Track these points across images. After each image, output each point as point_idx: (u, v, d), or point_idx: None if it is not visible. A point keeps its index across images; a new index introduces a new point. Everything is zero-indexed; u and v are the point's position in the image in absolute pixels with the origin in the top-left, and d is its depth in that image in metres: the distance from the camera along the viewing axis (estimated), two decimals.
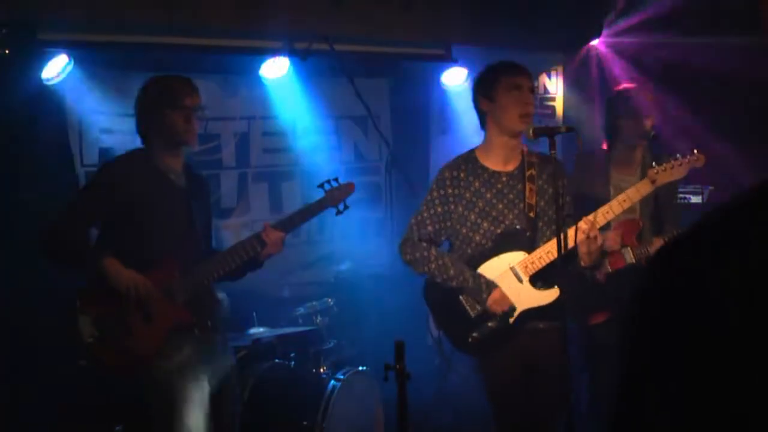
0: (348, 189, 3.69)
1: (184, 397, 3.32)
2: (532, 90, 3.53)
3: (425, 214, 3.58)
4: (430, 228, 3.56)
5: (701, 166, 3.47)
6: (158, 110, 3.37)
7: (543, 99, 6.61)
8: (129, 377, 3.43)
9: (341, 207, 3.69)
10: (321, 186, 3.66)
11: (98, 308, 3.32)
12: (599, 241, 3.37)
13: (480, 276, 3.46)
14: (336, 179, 3.68)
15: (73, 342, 3.34)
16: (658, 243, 4.11)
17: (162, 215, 3.40)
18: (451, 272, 3.47)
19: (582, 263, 3.46)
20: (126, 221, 3.36)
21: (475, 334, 3.48)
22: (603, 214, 3.42)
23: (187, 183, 3.52)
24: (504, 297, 3.43)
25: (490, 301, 3.43)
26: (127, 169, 3.42)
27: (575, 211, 3.61)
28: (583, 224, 3.37)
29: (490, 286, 3.44)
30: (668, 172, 3.43)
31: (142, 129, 3.46)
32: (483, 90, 3.55)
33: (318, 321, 5.08)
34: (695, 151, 3.42)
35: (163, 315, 3.34)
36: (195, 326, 3.40)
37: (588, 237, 3.34)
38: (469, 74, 6.02)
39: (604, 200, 3.98)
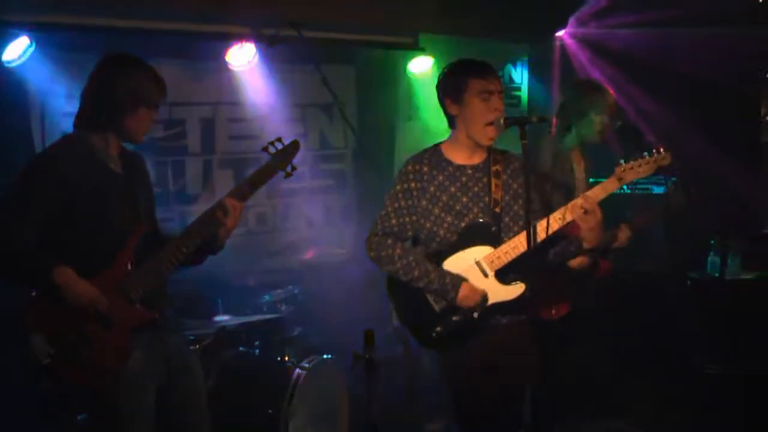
0: (293, 148, 3.41)
1: (130, 411, 3.13)
2: (501, 93, 3.46)
3: (389, 209, 3.55)
4: (394, 221, 3.54)
5: (668, 164, 3.50)
6: (133, 107, 3.17)
7: (509, 89, 6.65)
8: (98, 391, 3.14)
9: (289, 169, 3.42)
10: (265, 149, 3.40)
11: (51, 323, 3.03)
12: (599, 215, 3.38)
13: (445, 275, 3.42)
14: (279, 139, 3.42)
15: (28, 366, 3.03)
16: (625, 230, 4.17)
17: (107, 209, 3.15)
18: (416, 273, 3.44)
19: (586, 244, 3.44)
20: (69, 219, 3.07)
21: (438, 329, 3.46)
22: (570, 212, 3.41)
23: (125, 169, 3.28)
24: (474, 290, 3.40)
25: (460, 299, 3.40)
26: (64, 161, 3.10)
27: (546, 201, 3.63)
28: (580, 200, 3.37)
29: (457, 283, 3.41)
30: (635, 170, 3.44)
31: (99, 118, 3.17)
32: (451, 93, 3.47)
33: (283, 309, 5.08)
34: (662, 149, 3.45)
35: (123, 318, 3.11)
36: (156, 322, 3.19)
37: (586, 212, 3.34)
38: (435, 63, 6.04)
39: (572, 187, 4.03)
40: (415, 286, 3.44)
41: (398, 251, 3.48)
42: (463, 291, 3.39)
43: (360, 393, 3.24)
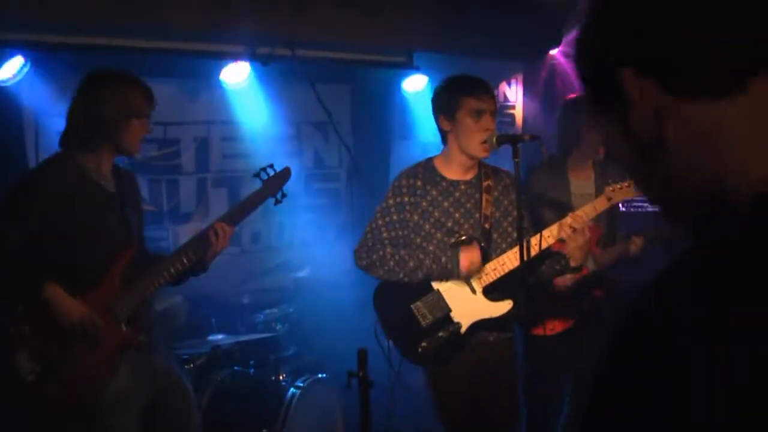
0: (284, 175, 3.48)
1: (114, 429, 3.12)
2: (494, 112, 3.48)
3: (380, 222, 3.55)
4: (385, 235, 3.53)
5: None
6: (125, 119, 3.15)
7: (503, 107, 6.65)
8: (82, 409, 3.11)
9: (279, 196, 3.48)
10: (257, 175, 3.46)
11: (36, 340, 3.01)
12: (587, 234, 3.39)
13: (440, 256, 3.42)
14: (271, 166, 3.47)
15: (10, 383, 3.00)
16: (636, 242, 4.16)
17: (97, 227, 3.15)
18: (411, 264, 3.43)
19: (572, 262, 3.46)
20: (59, 238, 3.07)
21: (425, 344, 3.46)
22: (559, 230, 3.43)
23: (117, 187, 3.28)
24: (472, 256, 3.38)
25: (464, 270, 3.39)
26: (56, 179, 3.10)
27: (537, 219, 3.64)
28: (569, 218, 3.39)
29: (455, 258, 3.39)
30: (624, 191, 3.50)
31: (91, 137, 3.16)
32: (444, 109, 3.49)
33: (277, 328, 5.06)
34: None
35: (110, 337, 3.10)
36: (143, 344, 3.19)
37: (575, 231, 3.36)
38: (430, 81, 6.05)
39: (566, 206, 4.03)
40: (414, 279, 3.43)
41: (389, 250, 3.48)
42: (463, 263, 3.37)
43: (354, 412, 3.22)
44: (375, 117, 6.47)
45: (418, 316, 3.47)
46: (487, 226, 3.50)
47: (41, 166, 3.30)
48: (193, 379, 4.26)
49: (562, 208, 4.06)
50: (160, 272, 3.23)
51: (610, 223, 4.18)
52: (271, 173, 3.46)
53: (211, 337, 4.81)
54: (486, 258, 3.46)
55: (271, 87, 5.59)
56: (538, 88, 6.63)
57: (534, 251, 3.38)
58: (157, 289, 3.26)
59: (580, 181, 4.22)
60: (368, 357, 3.10)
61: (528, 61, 6.66)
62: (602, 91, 0.95)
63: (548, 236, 3.42)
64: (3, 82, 4.50)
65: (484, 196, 3.51)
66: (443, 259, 3.40)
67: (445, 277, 3.43)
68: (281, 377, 4.67)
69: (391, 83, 6.29)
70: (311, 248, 5.90)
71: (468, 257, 3.39)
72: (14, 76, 4.53)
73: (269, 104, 5.65)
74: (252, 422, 4.44)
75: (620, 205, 3.81)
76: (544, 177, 4.18)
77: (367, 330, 4.43)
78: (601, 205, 3.51)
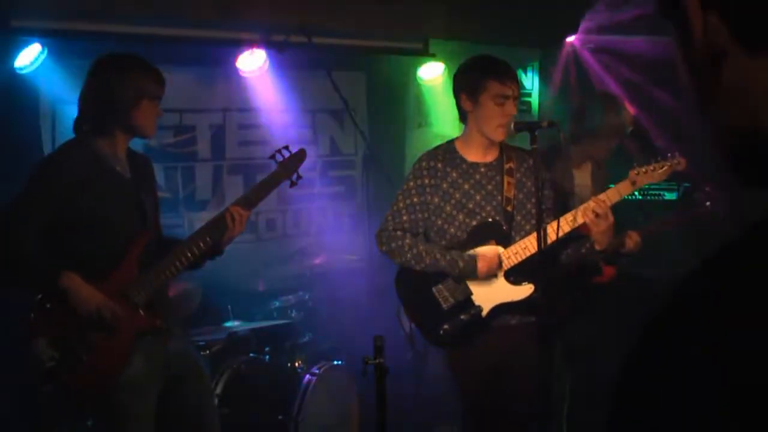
0: (300, 157, 3.46)
1: (131, 414, 3.12)
2: (517, 98, 3.46)
3: (401, 204, 3.55)
4: (405, 218, 3.53)
5: (682, 170, 3.50)
6: (136, 100, 3.15)
7: (519, 95, 6.63)
8: (99, 395, 3.15)
9: (294, 178, 3.46)
10: (272, 157, 3.45)
11: (55, 327, 3.03)
12: (610, 219, 3.36)
13: (457, 261, 3.41)
14: (287, 147, 3.46)
15: (31, 368, 3.04)
16: (633, 237, 4.15)
17: (113, 213, 3.15)
18: (427, 261, 3.44)
19: (597, 246, 3.43)
20: (75, 225, 3.08)
21: (446, 327, 3.46)
22: (582, 215, 3.40)
23: (133, 172, 3.28)
24: (490, 260, 3.39)
25: (481, 276, 3.39)
26: (71, 165, 3.09)
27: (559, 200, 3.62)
28: (592, 203, 3.36)
29: (471, 263, 3.40)
30: (649, 174, 3.44)
31: (104, 120, 3.16)
32: (467, 89, 3.47)
33: (293, 315, 5.07)
34: (677, 154, 3.44)
35: (127, 324, 3.10)
36: (160, 329, 3.20)
37: (598, 215, 3.33)
38: (446, 69, 6.03)
39: (569, 193, 4.02)
40: (430, 271, 3.44)
41: (407, 241, 3.48)
42: (481, 269, 3.37)
43: (370, 399, 3.22)
44: (391, 104, 6.45)
45: (440, 299, 3.47)
46: (509, 208, 3.48)
47: (56, 153, 3.32)
48: (210, 365, 4.28)
49: (565, 195, 4.05)
50: (176, 257, 3.23)
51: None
52: (287, 155, 3.45)
53: (227, 324, 4.83)
54: (508, 243, 3.45)
55: (287, 74, 5.57)
56: (555, 76, 6.60)
57: (553, 237, 3.35)
58: (174, 274, 3.25)
59: (579, 171, 4.22)
60: (384, 344, 3.10)
61: (544, 49, 6.63)
62: (668, 6, 0.87)
63: (570, 220, 3.39)
64: (20, 69, 4.51)
65: (506, 179, 3.49)
66: (461, 264, 3.39)
67: (460, 280, 3.43)
68: (297, 364, 4.68)
69: (407, 71, 6.27)
70: (327, 235, 5.90)
71: (486, 263, 3.38)
72: (31, 63, 4.53)
73: (285, 92, 5.63)
74: (268, 409, 4.46)
75: (636, 192, 3.77)
76: (551, 160, 4.17)
77: (383, 317, 4.44)
78: (625, 189, 3.47)
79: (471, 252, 3.43)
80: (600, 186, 4.25)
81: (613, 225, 3.38)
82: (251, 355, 4.74)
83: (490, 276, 3.42)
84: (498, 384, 3.48)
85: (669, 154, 3.44)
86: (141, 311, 3.16)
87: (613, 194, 3.44)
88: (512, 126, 3.34)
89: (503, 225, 3.47)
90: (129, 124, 3.20)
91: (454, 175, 3.49)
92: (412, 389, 4.73)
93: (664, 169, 3.44)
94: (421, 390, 4.67)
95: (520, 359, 3.48)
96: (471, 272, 3.38)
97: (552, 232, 3.35)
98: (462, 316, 3.45)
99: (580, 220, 3.37)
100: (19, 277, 3.07)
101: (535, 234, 3.32)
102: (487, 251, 3.39)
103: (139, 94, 3.16)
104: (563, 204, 3.67)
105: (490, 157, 3.53)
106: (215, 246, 3.35)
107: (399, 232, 3.51)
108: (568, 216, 3.39)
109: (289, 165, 3.43)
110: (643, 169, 3.44)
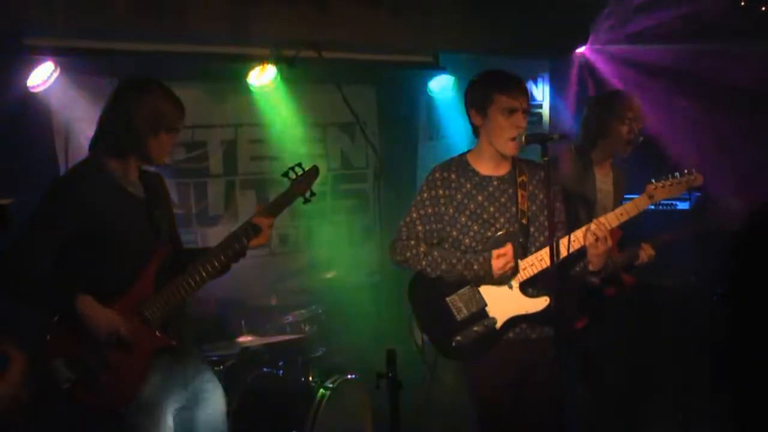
0: (313, 174, 3.47)
1: None
2: (527, 111, 3.46)
3: (415, 215, 3.55)
4: (419, 228, 3.53)
5: (698, 186, 3.51)
6: (154, 131, 3.16)
7: (529, 107, 6.63)
8: (116, 414, 3.11)
9: (308, 195, 3.46)
10: (285, 175, 3.45)
11: (72, 348, 3.02)
12: (609, 242, 3.36)
13: (470, 261, 3.41)
14: (300, 165, 3.47)
15: (46, 388, 3.01)
16: (647, 249, 4.13)
17: (127, 233, 3.14)
18: (443, 266, 3.43)
19: (591, 267, 3.44)
20: (88, 246, 3.06)
21: (459, 338, 3.44)
22: (598, 228, 3.39)
23: (145, 191, 3.29)
24: (505, 262, 3.37)
25: (497, 276, 3.38)
26: (84, 186, 3.10)
27: (565, 214, 3.61)
28: (593, 226, 3.35)
29: (487, 264, 3.37)
30: (666, 189, 3.44)
31: (119, 144, 3.16)
32: (476, 103, 3.48)
33: (306, 329, 5.06)
34: (693, 170, 3.46)
35: (144, 343, 3.09)
36: (176, 348, 3.19)
37: (597, 239, 3.33)
38: (456, 81, 6.04)
39: (592, 200, 4.00)
40: (448, 278, 3.43)
41: (422, 249, 3.48)
42: (496, 270, 3.36)
43: (384, 412, 3.21)
44: (401, 117, 6.47)
45: (453, 310, 3.45)
46: (524, 221, 3.47)
47: (70, 173, 3.32)
48: (223, 381, 4.27)
49: (589, 203, 4.04)
50: (191, 275, 3.22)
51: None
52: (300, 172, 3.46)
53: (240, 339, 4.83)
54: (524, 254, 3.44)
55: (298, 89, 5.60)
56: (566, 87, 6.60)
57: (564, 252, 3.34)
58: (192, 290, 3.23)
59: (601, 176, 4.21)
60: (397, 357, 3.09)
61: (555, 59, 6.63)
62: None
63: (580, 236, 3.39)
64: (33, 88, 4.54)
65: (520, 192, 3.49)
66: (475, 266, 3.38)
67: (477, 282, 3.42)
68: (310, 378, 4.67)
69: (417, 84, 6.29)
70: (339, 249, 5.91)
71: (501, 265, 3.37)
72: (44, 82, 4.56)
73: (296, 106, 5.66)
74: (281, 423, 4.45)
75: None
76: (572, 166, 4.16)
77: (395, 331, 4.43)
78: (642, 203, 3.47)
79: (485, 253, 3.42)
80: (621, 193, 4.23)
81: (609, 249, 3.40)
82: (264, 369, 4.74)
83: (504, 283, 3.41)
84: (517, 399, 3.46)
85: (686, 170, 3.45)
86: (157, 331, 3.16)
87: (632, 209, 3.45)
88: (523, 138, 3.34)
89: (519, 237, 3.46)
90: (144, 153, 3.21)
91: (468, 186, 3.49)
92: (421, 403, 4.72)
93: (681, 185, 3.45)
94: (431, 403, 4.65)
95: (540, 374, 3.46)
96: (487, 272, 3.37)
97: (564, 247, 3.33)
98: (475, 328, 3.44)
99: (582, 241, 3.37)
100: (34, 298, 3.07)
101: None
102: (501, 250, 3.37)
103: (158, 125, 3.16)
104: (588, 213, 3.63)
105: (503, 170, 3.53)
106: (242, 251, 3.32)
107: (413, 242, 3.51)
108: (578, 232, 3.39)
109: (303, 182, 3.45)
110: (661, 184, 3.44)
